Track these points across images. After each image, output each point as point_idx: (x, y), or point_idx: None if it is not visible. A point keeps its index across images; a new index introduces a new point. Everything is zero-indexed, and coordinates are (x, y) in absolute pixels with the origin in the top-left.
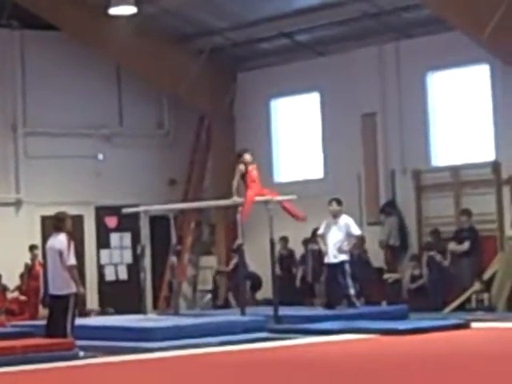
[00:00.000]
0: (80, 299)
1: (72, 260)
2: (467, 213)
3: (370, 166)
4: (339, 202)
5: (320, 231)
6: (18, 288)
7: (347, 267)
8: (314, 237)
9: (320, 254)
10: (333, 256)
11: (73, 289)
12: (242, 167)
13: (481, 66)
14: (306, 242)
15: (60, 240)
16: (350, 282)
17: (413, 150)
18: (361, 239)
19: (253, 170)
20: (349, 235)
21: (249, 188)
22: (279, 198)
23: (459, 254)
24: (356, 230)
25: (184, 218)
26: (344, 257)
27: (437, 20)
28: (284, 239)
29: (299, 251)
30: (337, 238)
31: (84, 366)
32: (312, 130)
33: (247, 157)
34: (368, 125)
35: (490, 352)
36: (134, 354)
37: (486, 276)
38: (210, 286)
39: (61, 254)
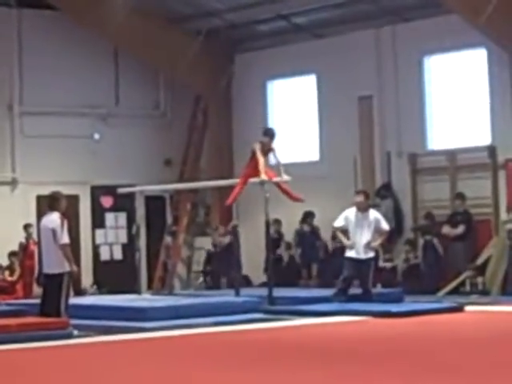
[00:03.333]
0: (74, 278)
1: (65, 239)
2: (461, 197)
3: (366, 149)
4: (367, 196)
5: (339, 223)
6: (8, 267)
7: (373, 264)
8: (307, 218)
9: (314, 235)
10: (363, 252)
11: (66, 267)
12: (259, 146)
13: (478, 50)
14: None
15: (53, 219)
16: (371, 277)
17: (409, 133)
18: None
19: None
20: (378, 231)
21: (248, 168)
22: (275, 179)
23: (453, 238)
24: (386, 226)
25: (179, 199)
26: (372, 254)
27: (434, 3)
28: (277, 222)
29: (291, 233)
30: (368, 234)
31: (78, 344)
32: (308, 112)
33: (266, 139)
34: (364, 108)
35: (482, 335)
36: (128, 333)
37: (481, 260)
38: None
39: (54, 232)
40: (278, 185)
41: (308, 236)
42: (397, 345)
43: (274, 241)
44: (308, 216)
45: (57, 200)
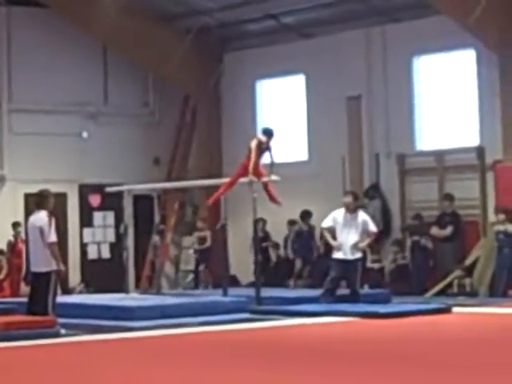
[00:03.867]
0: (61, 277)
1: (53, 237)
2: (449, 197)
3: (354, 149)
4: (356, 197)
5: (327, 224)
6: None
7: (360, 265)
8: (304, 218)
9: (310, 235)
10: (351, 253)
11: (54, 266)
12: (255, 142)
13: (467, 51)
14: (291, 223)
15: (41, 217)
16: (359, 278)
17: (397, 133)
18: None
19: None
20: (365, 232)
21: (241, 168)
22: (264, 179)
23: (441, 239)
24: (374, 228)
25: (167, 198)
26: (359, 254)
27: (424, 4)
28: (262, 221)
29: (279, 233)
30: (356, 235)
31: (65, 343)
32: (297, 112)
33: (263, 138)
34: (353, 108)
35: (470, 336)
36: (116, 332)
37: (468, 261)
38: (192, 266)
39: (41, 231)
40: (264, 183)
41: (305, 235)
42: (384, 346)
43: (260, 240)
44: (305, 215)
45: (45, 198)
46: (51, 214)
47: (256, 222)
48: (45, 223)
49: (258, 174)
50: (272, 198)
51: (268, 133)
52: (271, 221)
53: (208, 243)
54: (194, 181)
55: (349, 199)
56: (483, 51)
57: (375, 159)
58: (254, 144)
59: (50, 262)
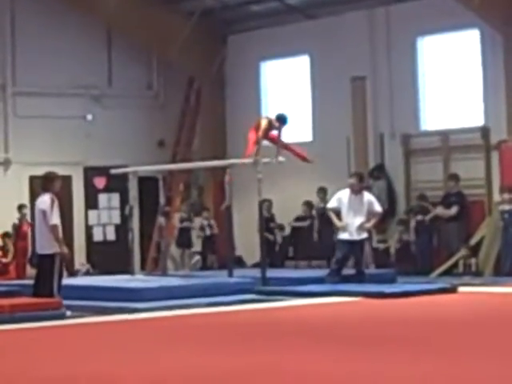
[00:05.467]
0: (64, 259)
1: (55, 220)
2: (455, 177)
3: (359, 130)
4: (361, 178)
5: (332, 205)
6: (1, 248)
7: (367, 244)
8: (320, 194)
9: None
10: (356, 234)
11: (57, 248)
12: (265, 122)
13: (471, 31)
14: (307, 204)
15: (44, 200)
16: (364, 258)
17: (402, 114)
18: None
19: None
20: (370, 213)
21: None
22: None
23: (447, 219)
24: (379, 208)
25: (172, 180)
26: (365, 235)
27: None
28: (268, 201)
29: (283, 214)
30: (361, 216)
31: (71, 325)
32: (302, 92)
33: (276, 124)
34: (358, 88)
35: (475, 316)
36: (121, 314)
37: (474, 241)
38: (198, 248)
39: (44, 213)
40: (285, 147)
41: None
42: (389, 326)
43: (265, 221)
44: (320, 192)
45: (50, 180)
46: (55, 196)
47: (261, 203)
48: (47, 206)
49: (271, 139)
50: (301, 157)
51: (281, 119)
52: (277, 202)
53: (184, 223)
54: (198, 162)
55: (353, 180)
56: (487, 31)
57: (380, 139)
58: (264, 122)
59: (54, 244)
